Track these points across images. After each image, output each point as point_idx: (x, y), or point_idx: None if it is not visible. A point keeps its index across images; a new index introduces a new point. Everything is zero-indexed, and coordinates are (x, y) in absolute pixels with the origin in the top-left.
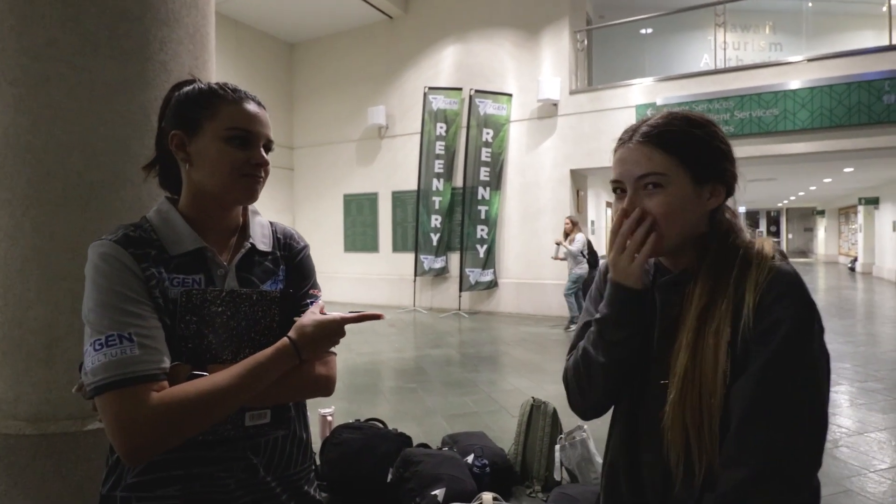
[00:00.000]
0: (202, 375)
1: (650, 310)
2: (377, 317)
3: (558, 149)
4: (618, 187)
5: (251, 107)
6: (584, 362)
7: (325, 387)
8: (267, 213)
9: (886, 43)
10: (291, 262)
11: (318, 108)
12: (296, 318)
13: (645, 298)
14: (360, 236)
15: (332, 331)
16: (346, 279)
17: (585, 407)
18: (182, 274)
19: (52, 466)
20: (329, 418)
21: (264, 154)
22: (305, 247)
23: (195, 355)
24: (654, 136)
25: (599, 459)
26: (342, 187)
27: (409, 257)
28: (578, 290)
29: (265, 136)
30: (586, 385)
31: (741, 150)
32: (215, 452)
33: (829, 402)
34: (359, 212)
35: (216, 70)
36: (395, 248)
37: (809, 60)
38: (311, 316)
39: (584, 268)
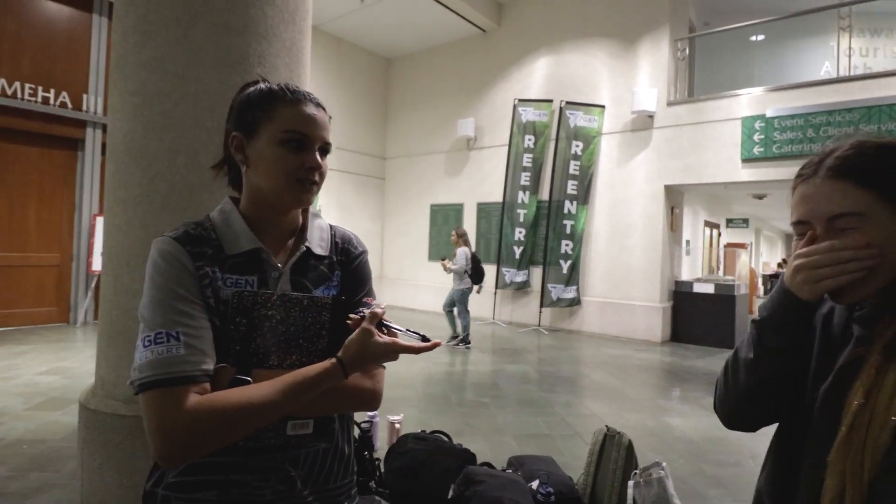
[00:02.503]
0: (246, 380)
1: (827, 343)
2: (434, 346)
3: (652, 163)
4: (802, 231)
5: (309, 109)
6: (732, 359)
7: (370, 401)
8: (358, 220)
9: None
10: (347, 267)
11: (411, 120)
12: (349, 321)
13: (813, 312)
14: (444, 246)
15: (383, 355)
16: (428, 287)
17: (724, 410)
18: (236, 274)
19: (141, 445)
20: (397, 426)
21: (320, 158)
22: (363, 252)
23: (241, 358)
24: (846, 169)
25: (678, 502)
26: (429, 197)
27: (491, 269)
28: (463, 307)
29: (322, 139)
30: (731, 383)
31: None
32: (254, 461)
33: None
34: (444, 222)
35: (317, 84)
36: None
37: None
38: (363, 336)
39: (466, 283)
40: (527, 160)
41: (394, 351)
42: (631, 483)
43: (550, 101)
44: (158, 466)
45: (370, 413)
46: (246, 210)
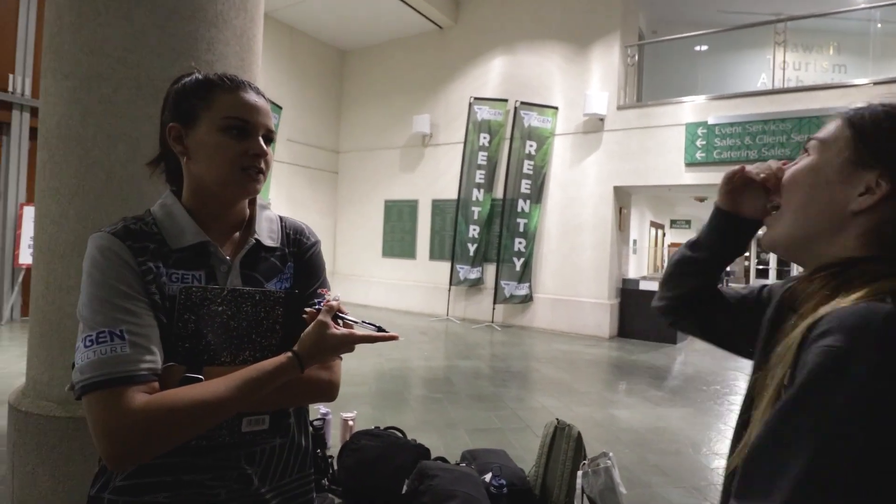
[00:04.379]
0: (197, 378)
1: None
2: (392, 338)
3: (602, 164)
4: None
5: (250, 96)
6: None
7: (327, 392)
8: (310, 214)
9: None
10: (300, 259)
11: (365, 115)
12: (305, 315)
13: (727, 220)
14: (398, 242)
15: (339, 346)
16: (381, 284)
17: (655, 299)
18: (182, 269)
19: (78, 448)
20: (350, 423)
21: (264, 145)
22: (316, 243)
23: (191, 356)
24: (852, 117)
25: (623, 490)
26: (384, 193)
27: (445, 266)
28: None
29: (265, 127)
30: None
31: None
32: (208, 459)
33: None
34: (398, 218)
35: (269, 74)
36: (433, 256)
37: (875, 84)
38: (319, 328)
39: None
40: (482, 158)
41: (350, 342)
42: (580, 473)
43: (505, 100)
44: (104, 470)
45: (322, 410)
46: (189, 203)
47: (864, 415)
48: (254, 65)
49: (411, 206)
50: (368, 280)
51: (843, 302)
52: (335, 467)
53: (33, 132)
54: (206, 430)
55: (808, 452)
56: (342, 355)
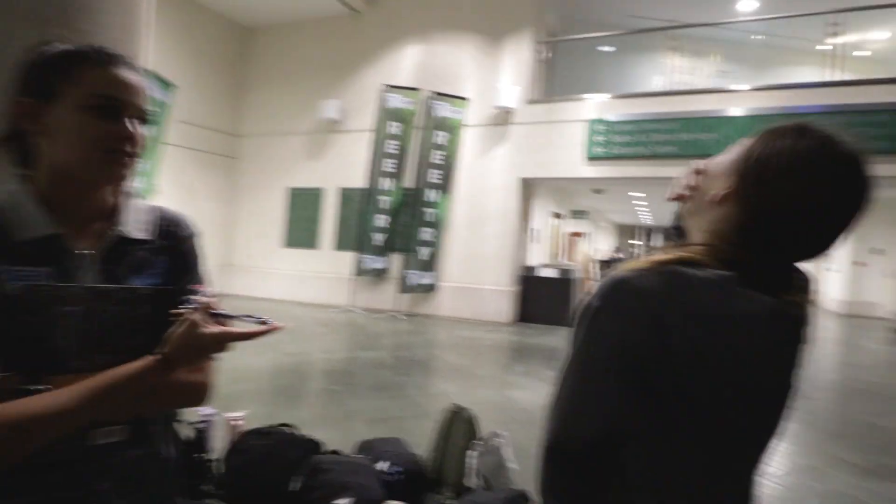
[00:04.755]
0: (35, 388)
1: None
2: (273, 329)
3: (510, 156)
4: None
5: (123, 71)
6: None
7: (197, 396)
8: (203, 201)
9: (820, 80)
10: (174, 252)
11: (269, 98)
12: (177, 315)
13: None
14: (302, 232)
15: (212, 346)
16: (282, 275)
17: None
18: (26, 265)
19: None
20: (237, 423)
21: (136, 127)
22: (193, 235)
23: (32, 364)
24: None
25: (515, 466)
26: (287, 180)
27: (350, 256)
28: None
29: (137, 107)
30: None
31: (681, 170)
32: (52, 477)
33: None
34: (303, 207)
35: (160, 48)
36: (338, 247)
37: (752, 90)
38: (189, 328)
39: None
40: (392, 147)
41: (224, 340)
42: (472, 453)
43: (418, 89)
44: None
45: (207, 412)
46: (43, 189)
47: (591, 340)
48: (140, 37)
49: (316, 195)
50: (269, 272)
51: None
52: (222, 471)
53: None
54: (40, 445)
55: (570, 363)
56: (218, 355)
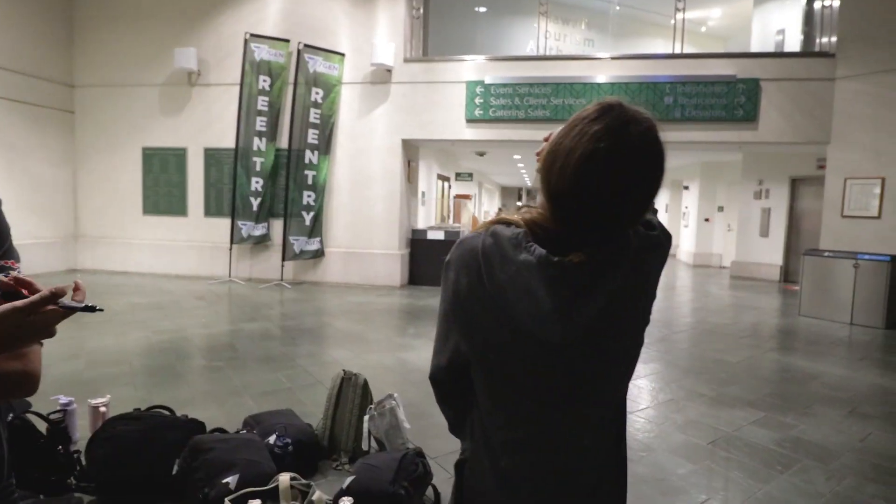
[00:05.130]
0: None
1: None
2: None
3: (391, 116)
4: None
5: None
6: None
7: (23, 386)
8: (35, 163)
9: (670, 51)
10: None
11: (111, 43)
12: None
13: None
14: (164, 197)
15: (35, 329)
16: (146, 246)
17: None
18: None
19: None
20: (102, 409)
21: None
22: None
23: None
24: None
25: (408, 425)
26: (141, 139)
27: (224, 223)
28: None
29: None
30: None
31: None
32: None
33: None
34: (162, 169)
35: None
36: (208, 213)
37: (613, 59)
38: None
39: None
40: (262, 104)
41: (39, 325)
42: (366, 417)
43: (287, 40)
44: None
45: (63, 400)
46: None
47: (443, 287)
48: None
49: (178, 156)
50: (127, 243)
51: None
52: (83, 462)
53: None
54: None
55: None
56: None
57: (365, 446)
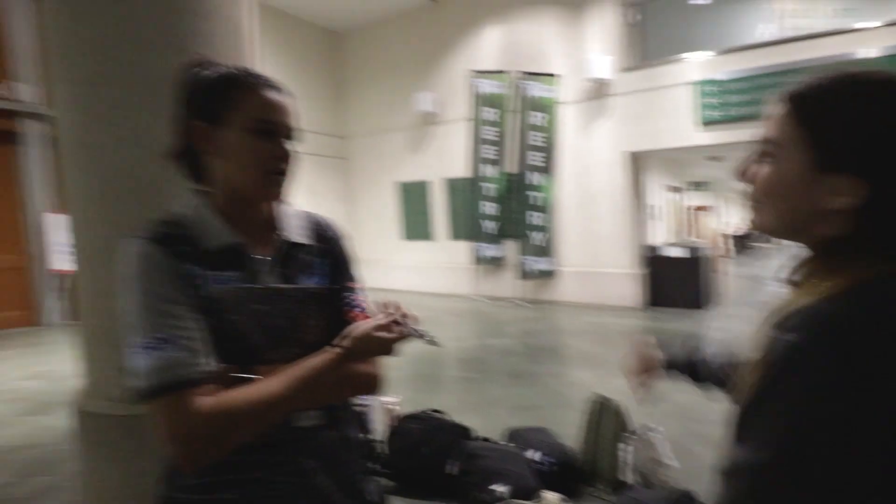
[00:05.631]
0: (247, 378)
1: None
2: (428, 341)
3: (612, 130)
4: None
5: (272, 94)
6: None
7: (372, 386)
8: (326, 202)
9: None
10: (330, 253)
11: (369, 97)
12: (351, 315)
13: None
14: (415, 224)
15: (382, 345)
16: (403, 267)
17: None
18: (218, 271)
19: (135, 445)
20: (393, 408)
21: (287, 146)
22: (343, 237)
23: (239, 356)
24: (796, 98)
25: (674, 463)
26: (395, 175)
27: (465, 245)
28: None
29: (288, 127)
30: None
31: None
32: (266, 456)
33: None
34: (413, 200)
35: (267, 63)
36: (452, 236)
37: (886, 25)
38: (367, 328)
39: None
40: (489, 133)
41: (390, 343)
42: (624, 446)
43: (506, 72)
44: (170, 469)
45: (363, 397)
46: (217, 203)
47: (823, 402)
48: (249, 56)
49: (423, 187)
50: (391, 265)
51: (815, 294)
52: (386, 451)
53: (49, 140)
54: (266, 427)
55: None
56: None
57: (625, 477)
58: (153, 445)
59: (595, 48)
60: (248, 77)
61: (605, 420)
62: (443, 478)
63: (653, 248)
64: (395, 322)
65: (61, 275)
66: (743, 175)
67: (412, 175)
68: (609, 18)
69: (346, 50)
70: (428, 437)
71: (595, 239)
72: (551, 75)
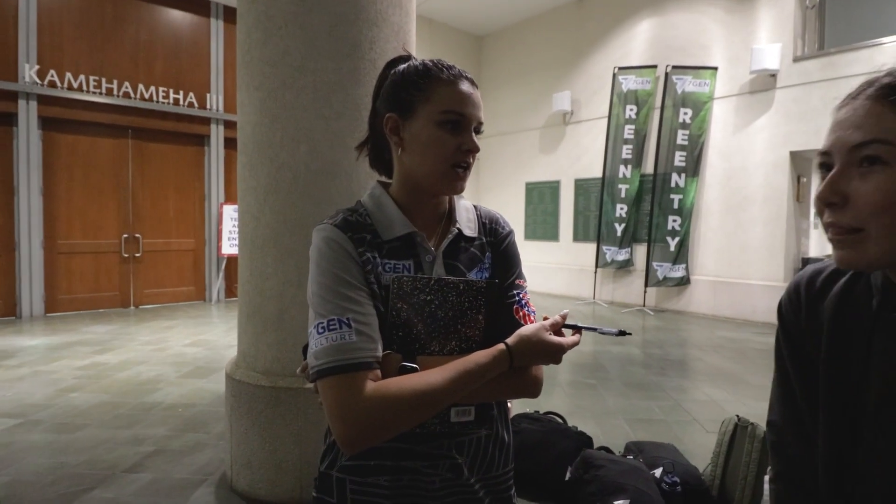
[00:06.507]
0: (412, 366)
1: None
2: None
3: (775, 127)
4: (824, 162)
5: (465, 87)
6: None
7: (532, 389)
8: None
9: None
10: (497, 248)
11: (504, 98)
12: (520, 314)
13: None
14: (540, 225)
15: (553, 352)
16: (527, 267)
17: None
18: (393, 259)
19: (279, 414)
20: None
21: (475, 139)
22: (511, 233)
23: (405, 344)
24: (893, 90)
25: None
26: (524, 175)
27: (590, 247)
28: None
29: (477, 119)
30: None
31: None
32: (422, 447)
33: None
34: (540, 200)
35: None
36: (576, 238)
37: None
38: (536, 330)
39: None
40: (628, 132)
41: (562, 351)
42: (767, 478)
43: (654, 66)
44: (331, 449)
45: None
46: (396, 194)
47: None
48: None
49: (553, 188)
50: None
51: None
52: None
53: (227, 142)
54: (426, 418)
55: None
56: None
57: None
58: (289, 416)
59: (764, 36)
60: (443, 69)
61: (742, 445)
62: (561, 484)
63: (810, 260)
64: (566, 325)
65: (227, 258)
66: (833, 194)
67: (542, 175)
68: (786, 2)
69: (486, 52)
70: (547, 440)
71: (741, 247)
72: (708, 68)
